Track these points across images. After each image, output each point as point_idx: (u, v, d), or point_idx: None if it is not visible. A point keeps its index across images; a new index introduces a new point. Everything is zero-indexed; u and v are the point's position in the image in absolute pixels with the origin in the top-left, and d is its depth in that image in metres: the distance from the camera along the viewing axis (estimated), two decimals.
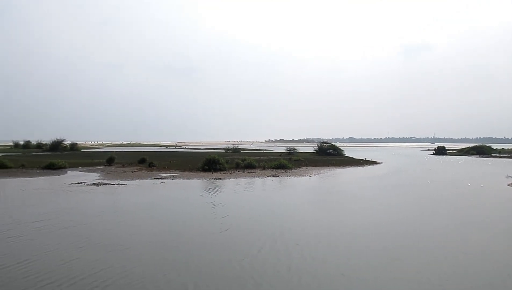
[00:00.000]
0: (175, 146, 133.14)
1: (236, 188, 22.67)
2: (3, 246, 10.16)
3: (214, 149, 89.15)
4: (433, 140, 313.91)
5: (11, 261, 8.90)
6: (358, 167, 40.82)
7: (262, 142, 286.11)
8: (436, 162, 53.35)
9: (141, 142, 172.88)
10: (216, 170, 32.17)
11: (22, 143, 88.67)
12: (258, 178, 27.96)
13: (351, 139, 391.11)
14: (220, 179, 27.04)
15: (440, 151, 79.78)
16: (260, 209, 16.04)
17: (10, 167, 33.74)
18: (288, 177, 28.95)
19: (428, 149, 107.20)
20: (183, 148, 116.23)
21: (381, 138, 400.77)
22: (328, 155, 62.33)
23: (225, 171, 31.96)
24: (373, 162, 48.33)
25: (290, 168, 35.60)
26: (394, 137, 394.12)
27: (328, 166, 40.90)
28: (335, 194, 21.00)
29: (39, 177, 28.11)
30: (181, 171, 32.53)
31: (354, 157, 57.00)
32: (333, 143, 72.13)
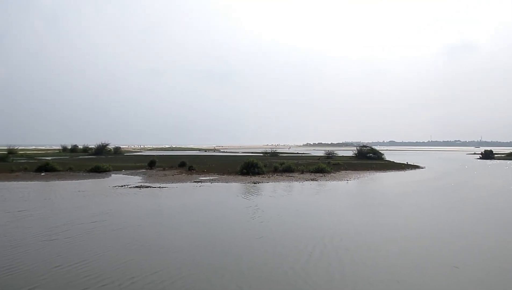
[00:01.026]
0: (214, 150, 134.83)
1: (274, 191, 22.66)
2: (62, 247, 10.51)
3: (252, 153, 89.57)
4: (479, 144, 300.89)
5: (71, 261, 9.19)
6: (399, 172, 39.73)
7: (300, 146, 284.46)
8: (484, 167, 51.03)
9: (181, 146, 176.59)
10: (254, 173, 32.32)
11: (69, 147, 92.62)
12: (296, 182, 27.84)
13: (392, 143, 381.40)
14: (258, 182, 27.15)
15: (487, 155, 76.19)
16: (301, 214, 15.87)
17: (59, 170, 35.41)
18: (327, 181, 28.62)
19: (474, 153, 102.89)
20: (222, 151, 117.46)
21: (423, 142, 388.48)
22: (367, 159, 61.11)
23: (263, 175, 32.05)
24: (415, 166, 46.88)
25: (329, 172, 35.19)
26: (437, 140, 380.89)
27: (368, 170, 40.10)
28: (377, 199, 20.50)
29: (86, 180, 29.28)
30: (220, 174, 32.92)
31: (395, 161, 55.56)
32: (373, 147, 70.72)
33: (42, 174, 33.23)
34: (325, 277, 8.26)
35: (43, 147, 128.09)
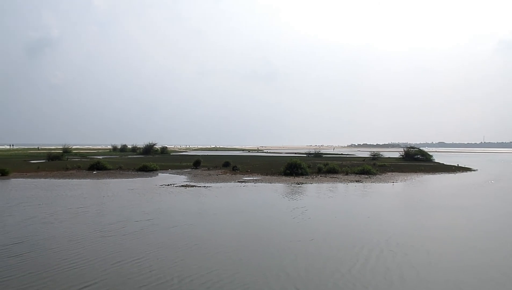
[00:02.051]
0: (257, 150, 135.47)
1: (319, 192, 22.42)
2: (119, 243, 10.84)
3: (295, 153, 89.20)
4: None
5: (128, 258, 9.43)
6: (450, 174, 38.09)
7: (344, 147, 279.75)
8: None
9: (225, 146, 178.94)
10: (298, 174, 32.16)
11: (119, 147, 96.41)
12: (340, 183, 27.42)
13: (441, 144, 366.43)
14: (302, 183, 26.99)
15: None
16: (350, 215, 15.58)
17: (110, 169, 36.98)
18: (372, 183, 27.96)
19: None
20: (265, 152, 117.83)
21: (475, 143, 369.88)
22: (415, 160, 59.09)
23: (306, 176, 31.81)
24: (467, 169, 44.77)
25: (374, 174, 34.36)
26: (491, 142, 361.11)
27: (415, 172, 38.76)
28: (427, 201, 19.75)
29: (134, 178, 30.35)
30: (263, 175, 33.03)
31: (444, 163, 53.37)
32: (420, 148, 68.35)
33: (94, 172, 34.82)
34: (384, 282, 8.02)
35: (95, 147, 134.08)
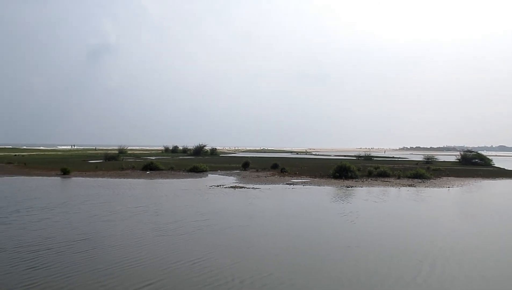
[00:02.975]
0: (306, 153, 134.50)
1: (370, 196, 21.89)
2: (177, 243, 11.10)
3: (344, 156, 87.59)
4: None
5: (187, 258, 9.58)
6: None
7: (396, 150, 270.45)
8: None
9: (273, 148, 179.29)
10: (347, 177, 31.62)
11: (171, 148, 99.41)
12: (392, 187, 26.64)
13: (502, 148, 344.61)
14: (351, 187, 26.53)
15: None
16: (406, 221, 15.09)
17: (162, 169, 38.23)
18: (426, 188, 26.90)
19: None
20: (314, 154, 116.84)
21: None
22: (473, 165, 56.12)
23: (356, 179, 31.19)
24: None
25: (428, 178, 33.01)
26: None
27: (473, 177, 36.80)
28: (488, 208, 18.71)
29: (185, 179, 31.18)
30: (312, 177, 32.78)
31: (505, 168, 50.32)
32: (479, 152, 64.91)
33: (148, 172, 36.17)
34: None
35: (148, 148, 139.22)
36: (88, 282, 7.89)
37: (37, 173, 34.59)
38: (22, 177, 31.62)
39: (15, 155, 68.49)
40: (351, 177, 31.62)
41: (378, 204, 19.25)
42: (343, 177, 31.46)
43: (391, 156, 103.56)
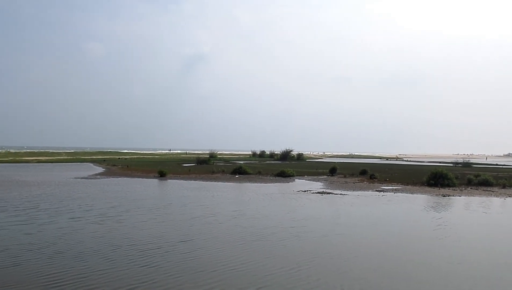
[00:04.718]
0: (396, 158, 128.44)
1: (469, 207, 20.28)
2: (275, 248, 11.29)
3: (439, 162, 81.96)
4: None
5: (287, 265, 9.60)
6: None
7: (500, 156, 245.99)
8: None
9: (361, 154, 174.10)
10: (443, 185, 29.53)
11: (258, 152, 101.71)
12: (496, 198, 24.31)
13: None
14: (448, 195, 24.73)
15: None
16: (510, 235, 13.87)
17: (250, 173, 39.31)
18: None
19: None
20: (405, 160, 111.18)
21: None
22: None
23: (453, 188, 28.99)
24: None
25: None
26: None
27: None
28: None
29: (273, 184, 31.64)
30: (404, 184, 31.21)
31: None
32: None
33: (237, 176, 37.38)
34: None
35: (236, 152, 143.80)
36: (195, 282, 8.33)
37: (138, 175, 37.71)
38: (126, 178, 34.70)
39: (119, 158, 75.30)
40: (448, 185, 29.51)
41: (479, 216, 17.78)
42: (439, 185, 29.49)
43: (494, 163, 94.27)
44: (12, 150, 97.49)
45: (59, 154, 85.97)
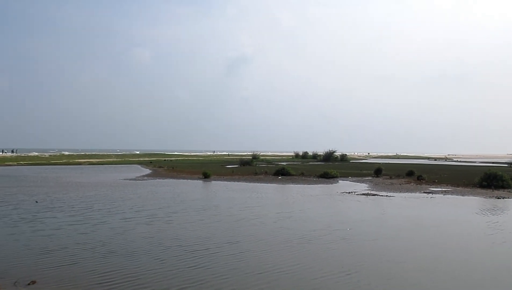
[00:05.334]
0: (445, 159, 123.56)
1: None
2: (324, 252, 11.18)
3: (492, 163, 77.93)
4: None
5: (335, 268, 9.52)
6: None
7: None
8: None
9: (407, 154, 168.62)
10: (497, 187, 28.04)
11: (301, 153, 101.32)
12: None
13: None
14: (503, 198, 23.41)
15: None
16: None
17: (293, 175, 39.21)
18: None
19: None
20: (454, 161, 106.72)
21: None
22: None
23: (509, 189, 27.45)
24: None
25: None
26: None
27: None
28: None
29: (316, 185, 31.41)
30: (454, 186, 29.94)
31: None
32: None
33: (279, 177, 37.42)
34: None
35: (279, 153, 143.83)
36: (243, 284, 8.44)
37: (183, 176, 38.71)
38: (172, 179, 35.73)
39: (165, 160, 77.51)
40: (502, 187, 28.03)
41: None
42: (492, 187, 28.06)
43: None
44: (66, 153, 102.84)
45: (108, 156, 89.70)
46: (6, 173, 43.57)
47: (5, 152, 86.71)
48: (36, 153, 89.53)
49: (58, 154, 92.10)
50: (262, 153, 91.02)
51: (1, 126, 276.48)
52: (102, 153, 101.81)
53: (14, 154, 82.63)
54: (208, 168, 42.48)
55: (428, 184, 31.31)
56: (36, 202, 20.06)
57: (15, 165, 60.01)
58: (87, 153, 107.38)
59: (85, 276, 8.78)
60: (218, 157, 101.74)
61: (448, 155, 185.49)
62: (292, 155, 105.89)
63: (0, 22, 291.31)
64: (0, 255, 10.50)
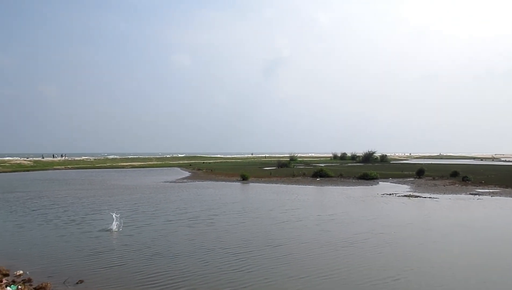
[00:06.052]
0: (492, 159, 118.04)
1: None
2: (367, 255, 11.00)
3: None
4: None
5: (382, 275, 9.33)
6: None
7: None
8: None
9: (451, 154, 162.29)
10: None
11: (339, 155, 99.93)
12: None
13: None
14: None
15: None
16: None
17: (331, 176, 38.81)
18: None
19: None
20: (502, 160, 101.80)
21: None
22: None
23: None
24: None
25: None
26: None
27: None
28: None
29: (356, 186, 30.91)
30: (503, 187, 28.59)
31: None
32: None
33: (318, 179, 37.15)
34: None
35: (317, 155, 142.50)
36: (286, 288, 8.43)
37: (222, 179, 39.22)
38: (210, 181, 36.30)
39: (203, 162, 78.78)
40: None
41: None
42: None
43: None
44: (109, 156, 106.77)
45: (149, 159, 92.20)
46: (56, 176, 45.86)
47: (56, 157, 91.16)
48: (84, 158, 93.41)
49: (102, 158, 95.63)
50: (300, 155, 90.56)
51: (54, 134, 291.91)
52: (143, 157, 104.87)
53: (62, 158, 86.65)
54: (246, 170, 42.81)
55: (475, 186, 30.14)
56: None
57: (62, 169, 63.05)
58: (129, 157, 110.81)
59: (131, 277, 9.08)
60: (256, 159, 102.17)
61: (495, 155, 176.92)
62: (330, 157, 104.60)
63: (53, 32, 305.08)
64: (51, 256, 11.06)
